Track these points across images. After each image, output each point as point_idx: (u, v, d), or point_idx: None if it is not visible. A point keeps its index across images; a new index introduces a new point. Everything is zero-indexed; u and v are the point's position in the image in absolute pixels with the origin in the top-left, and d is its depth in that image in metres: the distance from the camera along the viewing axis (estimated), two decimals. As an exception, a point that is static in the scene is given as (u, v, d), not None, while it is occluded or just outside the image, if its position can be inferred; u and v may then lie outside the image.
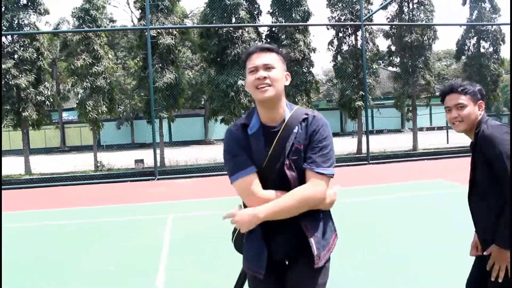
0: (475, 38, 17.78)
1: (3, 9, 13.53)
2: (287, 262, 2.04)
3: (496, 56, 17.95)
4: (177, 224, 6.96)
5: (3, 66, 13.21)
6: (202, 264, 4.91)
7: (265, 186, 1.93)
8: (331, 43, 16.80)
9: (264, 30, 16.34)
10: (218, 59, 15.11)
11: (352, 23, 15.84)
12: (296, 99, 15.00)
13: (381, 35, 19.85)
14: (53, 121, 18.45)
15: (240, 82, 14.53)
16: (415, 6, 16.54)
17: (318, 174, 1.88)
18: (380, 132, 33.17)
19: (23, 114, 13.73)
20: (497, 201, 2.21)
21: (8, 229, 6.60)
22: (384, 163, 14.38)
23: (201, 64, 31.25)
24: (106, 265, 4.97)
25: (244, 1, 15.44)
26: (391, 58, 17.64)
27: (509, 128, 2.27)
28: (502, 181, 2.15)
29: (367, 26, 15.57)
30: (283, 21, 15.70)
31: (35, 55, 14.01)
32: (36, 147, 27.53)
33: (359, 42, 16.19)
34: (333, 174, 1.93)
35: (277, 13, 15.93)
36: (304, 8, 15.72)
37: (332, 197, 1.96)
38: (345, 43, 16.74)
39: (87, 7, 13.94)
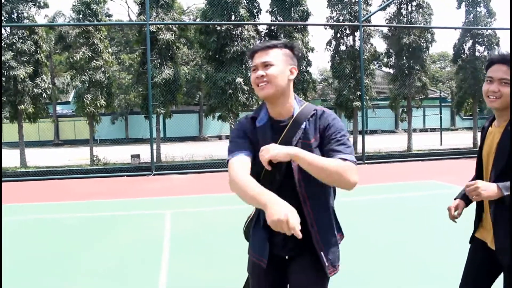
0: (470, 41, 17.95)
1: (2, 0, 13.46)
2: (286, 257, 2.08)
3: (491, 54, 18.14)
4: (176, 220, 7.01)
5: (2, 58, 13.16)
6: (205, 260, 4.94)
7: (270, 178, 1.95)
8: (329, 43, 16.89)
9: (263, 29, 16.38)
10: (217, 56, 15.15)
11: (350, 23, 15.94)
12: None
13: (377, 36, 19.99)
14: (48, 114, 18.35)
15: (238, 79, 14.59)
16: (413, 8, 16.66)
17: (342, 159, 1.85)
18: (374, 132, 33.35)
19: (19, 107, 13.68)
20: None
21: (4, 222, 6.62)
22: (379, 163, 14.54)
23: (197, 60, 31.23)
24: (107, 260, 5.00)
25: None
26: (387, 59, 17.76)
27: None
28: None
29: (365, 27, 15.68)
30: (282, 20, 15.75)
31: (33, 47, 13.95)
32: (30, 140, 27.35)
33: (357, 43, 16.31)
34: (356, 162, 1.90)
35: (276, 11, 15.98)
36: (304, 8, 15.79)
37: (355, 180, 1.85)
38: (343, 43, 16.84)
39: (88, 0, 13.89)
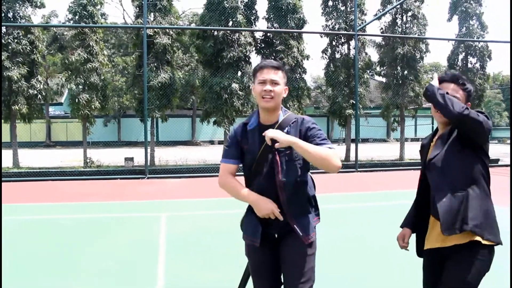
0: (463, 53, 18.22)
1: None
2: (276, 236, 2.52)
3: (482, 72, 18.43)
4: (171, 223, 7.02)
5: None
6: (202, 261, 4.98)
7: (257, 170, 2.47)
8: (325, 51, 17.04)
9: (259, 36, 16.48)
10: (213, 61, 15.21)
11: (346, 32, 16.11)
12: (288, 105, 15.20)
13: (371, 45, 20.18)
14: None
15: (234, 85, 14.66)
16: (408, 19, 16.88)
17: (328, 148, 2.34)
18: (365, 140, 33.56)
19: (13, 107, 13.62)
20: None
21: None
22: (371, 171, 14.64)
23: (191, 65, 31.27)
24: (104, 263, 4.99)
25: (242, 6, 15.60)
26: (381, 69, 17.96)
27: None
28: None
29: (360, 36, 15.86)
30: (278, 27, 15.88)
31: (29, 48, 13.90)
32: (21, 140, 27.14)
33: (352, 51, 16.48)
34: (334, 149, 2.37)
35: (272, 19, 16.11)
36: (300, 16, 15.93)
37: (339, 165, 2.33)
38: (338, 51, 17.00)
39: (84, 2, 13.90)
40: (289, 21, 15.79)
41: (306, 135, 2.41)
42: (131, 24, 25.45)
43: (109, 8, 66.52)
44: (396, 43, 16.64)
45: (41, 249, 5.51)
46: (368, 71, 20.40)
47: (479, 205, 2.26)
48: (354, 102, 15.51)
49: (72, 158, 18.07)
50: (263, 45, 16.13)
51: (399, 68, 16.75)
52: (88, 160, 14.93)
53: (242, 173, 2.60)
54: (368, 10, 17.14)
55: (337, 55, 16.96)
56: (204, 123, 16.12)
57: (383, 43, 17.64)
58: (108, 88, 15.16)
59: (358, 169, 14.47)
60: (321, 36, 17.16)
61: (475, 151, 2.29)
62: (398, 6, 16.51)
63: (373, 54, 59.53)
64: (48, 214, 7.85)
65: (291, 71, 15.66)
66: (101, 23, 15.80)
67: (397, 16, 16.96)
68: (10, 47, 13.52)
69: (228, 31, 14.82)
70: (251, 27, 15.95)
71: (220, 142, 31.45)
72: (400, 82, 16.81)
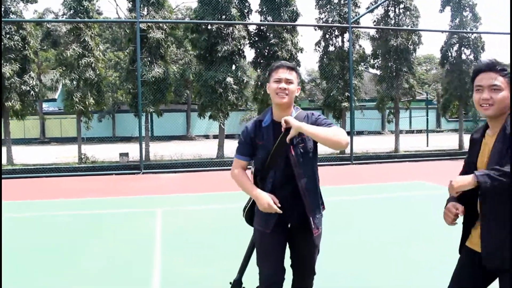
0: (457, 45, 18.23)
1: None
2: (289, 225, 2.70)
3: (476, 63, 18.47)
4: (167, 218, 7.02)
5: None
6: (197, 257, 4.97)
7: (271, 164, 2.64)
8: (318, 43, 17.01)
9: (253, 29, 16.41)
10: (207, 55, 15.15)
11: (339, 25, 16.08)
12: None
13: (365, 38, 20.16)
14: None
15: (228, 79, 14.61)
16: (401, 11, 16.88)
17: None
18: (360, 133, 33.61)
19: (5, 104, 13.53)
20: None
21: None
22: (366, 163, 14.69)
23: (185, 59, 31.11)
24: (99, 258, 5.00)
25: (235, -1, 15.52)
26: (375, 61, 17.97)
27: None
28: None
29: (354, 29, 15.84)
30: (272, 20, 15.81)
31: (21, 44, 13.79)
32: (15, 137, 26.99)
33: (346, 44, 16.47)
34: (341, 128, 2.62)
35: (266, 12, 16.03)
36: (293, 8, 15.87)
37: (347, 140, 2.56)
38: (332, 44, 16.98)
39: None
40: (282, 14, 15.72)
41: (315, 124, 2.62)
42: (124, 18, 25.26)
43: (102, 3, 65.92)
44: (390, 35, 16.65)
45: (36, 246, 5.50)
46: (363, 64, 20.42)
47: None
48: (349, 94, 15.52)
49: (66, 154, 17.98)
50: (257, 39, 16.06)
51: (392, 60, 16.76)
52: (83, 156, 14.88)
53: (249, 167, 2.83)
54: (361, 3, 17.12)
55: (331, 48, 16.95)
56: (199, 117, 16.07)
57: (377, 35, 17.63)
58: (103, 83, 15.06)
59: (353, 162, 14.51)
60: (315, 29, 17.13)
61: None
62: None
63: (367, 47, 59.50)
64: (43, 211, 7.83)
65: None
66: (96, 18, 15.67)
67: (389, 8, 16.95)
68: (2, 43, 13.39)
69: (222, 25, 14.75)
70: (245, 21, 15.88)
71: (215, 136, 31.34)
72: (394, 74, 16.83)
